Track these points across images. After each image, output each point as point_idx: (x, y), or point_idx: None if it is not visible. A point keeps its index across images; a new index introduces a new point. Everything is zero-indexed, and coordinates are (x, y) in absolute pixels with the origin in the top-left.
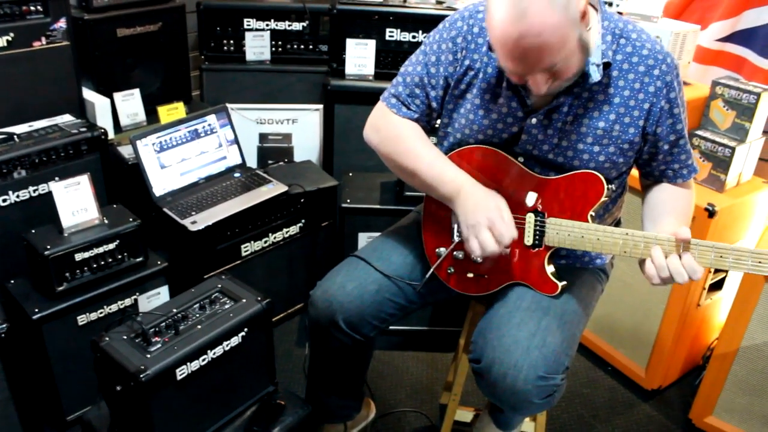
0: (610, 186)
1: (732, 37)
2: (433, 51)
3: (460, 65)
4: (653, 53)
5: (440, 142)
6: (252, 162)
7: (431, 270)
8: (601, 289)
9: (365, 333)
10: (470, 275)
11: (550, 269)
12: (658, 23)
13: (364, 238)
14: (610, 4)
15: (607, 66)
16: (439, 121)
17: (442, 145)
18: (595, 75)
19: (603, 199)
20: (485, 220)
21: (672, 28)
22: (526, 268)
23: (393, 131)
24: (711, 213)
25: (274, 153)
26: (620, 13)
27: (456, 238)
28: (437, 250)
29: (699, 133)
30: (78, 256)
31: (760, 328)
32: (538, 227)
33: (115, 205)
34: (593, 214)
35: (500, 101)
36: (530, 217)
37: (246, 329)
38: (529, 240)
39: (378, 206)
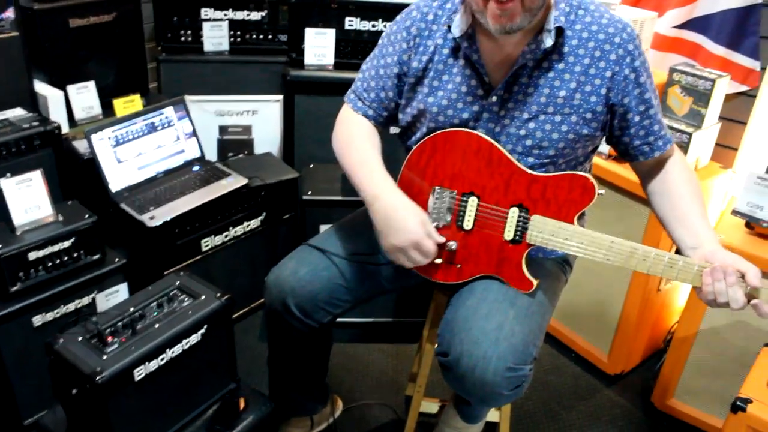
0: (600, 191)
1: (688, 24)
2: (389, 42)
3: (414, 52)
4: (612, 22)
5: (406, 133)
6: (212, 155)
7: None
8: (565, 280)
9: (318, 319)
10: (439, 261)
11: (525, 265)
12: (617, 10)
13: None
14: None
15: (559, 32)
16: (401, 116)
17: (408, 136)
18: (548, 40)
19: (591, 203)
20: (409, 243)
21: (630, 16)
22: (503, 262)
23: (342, 129)
24: None
25: (235, 145)
26: None
27: (433, 223)
28: None
29: None
30: (32, 255)
31: (718, 311)
32: (520, 223)
33: (70, 202)
34: (578, 217)
35: (457, 80)
36: (513, 212)
37: (206, 326)
38: (509, 235)
39: (339, 198)
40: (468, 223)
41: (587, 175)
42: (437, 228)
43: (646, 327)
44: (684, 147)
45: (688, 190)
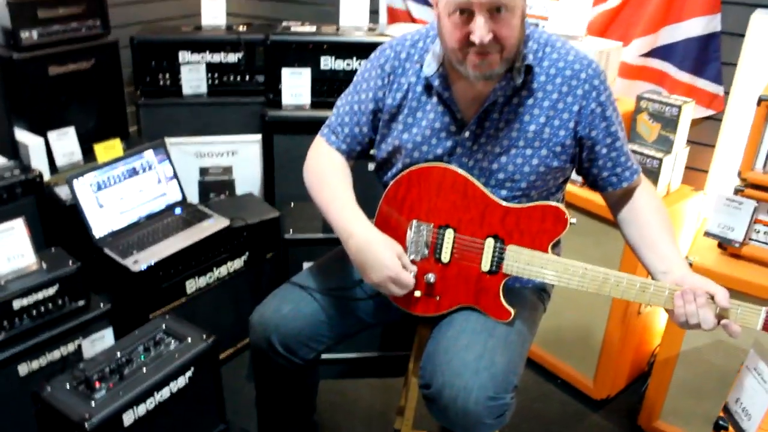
0: (572, 220)
1: (653, 53)
2: (364, 79)
3: (388, 89)
4: (578, 59)
5: (382, 168)
6: (193, 196)
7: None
8: (543, 308)
9: (303, 356)
10: (418, 294)
11: (503, 295)
12: (583, 42)
13: None
14: (536, 25)
15: (528, 70)
16: (374, 151)
17: (384, 171)
18: (518, 78)
19: (564, 232)
20: (386, 278)
21: (596, 47)
22: (481, 293)
23: (315, 162)
24: None
25: (216, 186)
26: None
27: (410, 256)
28: None
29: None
30: (16, 304)
31: (697, 331)
32: (496, 254)
33: (53, 249)
34: (553, 245)
35: (431, 117)
36: (489, 243)
37: (193, 368)
38: (486, 265)
39: (321, 235)
40: (445, 256)
41: (559, 205)
42: (415, 261)
43: (629, 350)
44: (655, 172)
45: (656, 218)
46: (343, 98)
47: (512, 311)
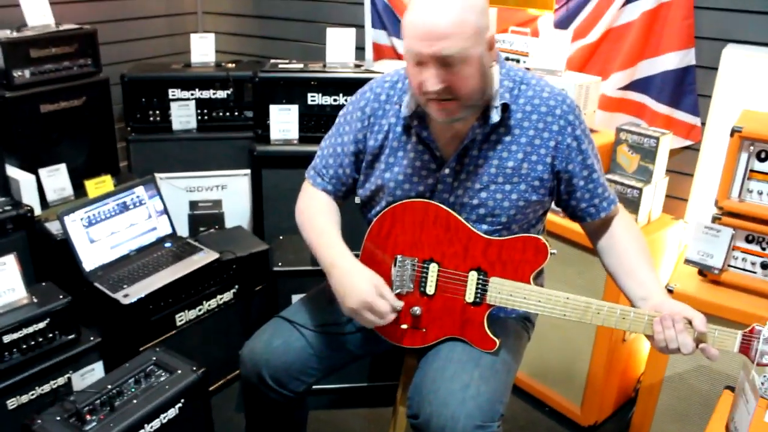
0: (552, 251)
1: (631, 86)
2: (346, 121)
3: (369, 131)
4: (553, 95)
5: (366, 206)
6: (184, 230)
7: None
8: (527, 337)
9: (293, 389)
10: (405, 327)
11: (488, 325)
12: (563, 77)
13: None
14: (518, 61)
15: (505, 108)
16: (360, 190)
17: (368, 209)
18: (495, 116)
19: (545, 263)
20: (360, 304)
21: (575, 81)
22: (466, 324)
23: (303, 202)
24: None
25: (206, 220)
26: (527, 69)
27: (396, 291)
28: None
29: (609, 176)
30: (6, 338)
31: (680, 357)
32: (480, 285)
33: (44, 283)
34: (535, 275)
35: (411, 156)
36: (472, 275)
37: (183, 400)
38: (470, 297)
39: (309, 268)
40: (430, 289)
41: (539, 236)
42: (401, 295)
43: (615, 377)
44: (636, 201)
45: (633, 246)
46: (327, 140)
47: (497, 341)
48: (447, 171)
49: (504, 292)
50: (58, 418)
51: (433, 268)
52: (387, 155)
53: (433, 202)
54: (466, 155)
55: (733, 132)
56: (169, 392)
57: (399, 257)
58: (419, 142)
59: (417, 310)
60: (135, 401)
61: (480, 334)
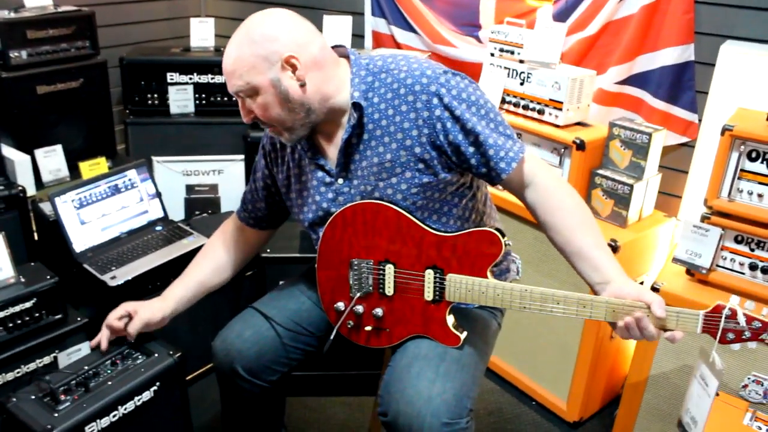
0: (508, 243)
1: (629, 80)
2: (256, 162)
3: (274, 165)
4: (410, 73)
5: (312, 229)
6: (180, 214)
7: (334, 330)
8: (497, 324)
9: (266, 378)
10: (369, 328)
11: (450, 321)
12: (557, 70)
13: None
14: (512, 52)
15: (357, 106)
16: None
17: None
18: (351, 119)
19: (502, 256)
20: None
21: (569, 74)
22: (428, 322)
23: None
24: (614, 249)
25: (202, 204)
26: (521, 62)
27: (356, 294)
28: (335, 305)
29: (600, 171)
30: None
31: (665, 357)
32: (437, 283)
33: (33, 263)
34: (493, 269)
35: (308, 176)
36: (429, 274)
37: (158, 383)
38: (429, 296)
39: (297, 255)
40: (389, 290)
41: (491, 229)
42: (361, 299)
43: (602, 374)
44: (626, 197)
45: (576, 221)
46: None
47: (461, 337)
48: (341, 181)
49: (462, 289)
50: (33, 397)
51: (390, 269)
52: (294, 183)
53: (382, 203)
54: (348, 160)
55: (723, 130)
56: (145, 375)
57: (354, 260)
58: (311, 162)
59: (379, 311)
60: (110, 383)
61: (443, 331)
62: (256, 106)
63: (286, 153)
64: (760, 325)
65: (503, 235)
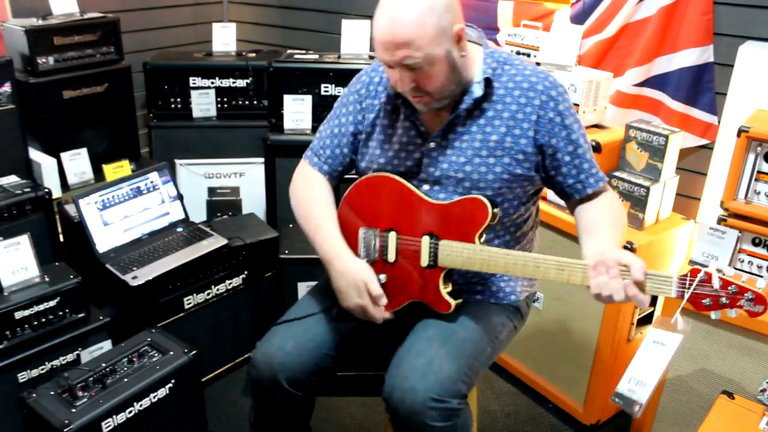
0: (495, 210)
1: (648, 82)
2: (342, 104)
3: (366, 111)
4: (535, 73)
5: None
6: (202, 216)
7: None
8: (513, 326)
9: (309, 386)
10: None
11: (446, 289)
12: (573, 72)
13: (303, 287)
14: (528, 55)
15: (488, 82)
16: (359, 167)
17: None
18: (477, 90)
19: (488, 222)
20: (357, 307)
21: (585, 77)
22: (424, 287)
23: (300, 188)
24: (630, 251)
25: (223, 206)
26: (538, 64)
27: (364, 260)
28: None
29: (617, 174)
30: (18, 314)
31: (682, 360)
32: (432, 249)
33: (57, 263)
34: (483, 236)
35: (399, 132)
36: (425, 240)
37: (173, 380)
38: (425, 261)
39: (314, 256)
40: (391, 256)
41: (479, 196)
42: (368, 263)
43: (620, 377)
44: (643, 200)
45: (607, 212)
46: (325, 123)
47: (453, 303)
48: (432, 145)
49: (453, 254)
50: (52, 393)
51: (392, 236)
52: (378, 133)
53: (388, 174)
54: (450, 130)
55: (740, 132)
56: (160, 372)
57: (362, 229)
58: (405, 119)
59: (383, 277)
60: (126, 380)
61: (436, 296)
62: (423, 76)
63: (377, 102)
64: (737, 289)
65: (494, 206)
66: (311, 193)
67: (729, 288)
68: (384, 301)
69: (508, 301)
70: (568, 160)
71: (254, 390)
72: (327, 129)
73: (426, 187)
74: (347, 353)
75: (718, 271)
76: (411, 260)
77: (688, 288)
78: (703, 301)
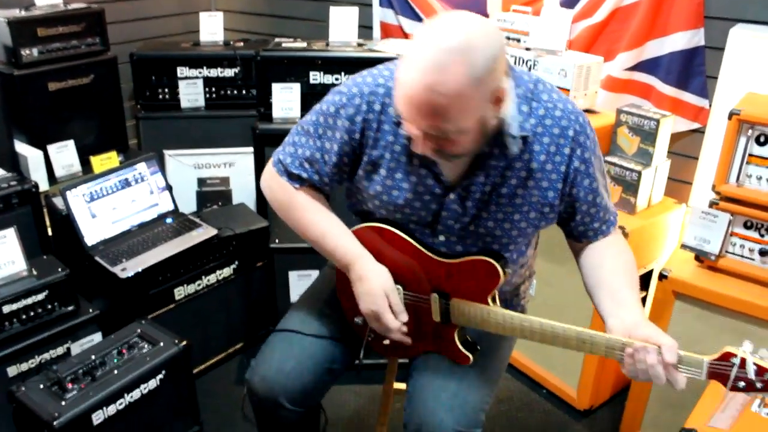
0: (506, 270)
1: (639, 66)
2: (328, 126)
3: (361, 144)
4: (566, 114)
5: (353, 206)
6: (191, 206)
7: (363, 347)
8: (508, 346)
9: (309, 404)
10: (387, 342)
11: (460, 342)
12: (563, 57)
13: (294, 276)
14: (518, 40)
15: (525, 139)
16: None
17: (351, 201)
18: (513, 148)
19: (500, 285)
20: (372, 313)
21: (575, 61)
22: (440, 340)
23: (283, 196)
24: (623, 235)
25: (213, 196)
26: (527, 49)
27: None
28: (356, 320)
29: (608, 158)
30: (6, 308)
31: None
32: (443, 307)
33: (45, 257)
34: (497, 297)
35: (413, 179)
36: (435, 298)
37: (164, 371)
38: (437, 318)
39: (305, 245)
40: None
41: (488, 259)
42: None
43: (613, 362)
44: (634, 184)
45: (619, 265)
46: (303, 139)
47: (471, 357)
48: (453, 197)
49: (466, 314)
50: (41, 386)
51: (399, 290)
52: (384, 176)
53: (389, 227)
54: (472, 182)
55: (731, 115)
56: (150, 363)
57: None
58: (422, 165)
59: None
60: (116, 371)
61: (454, 350)
62: (448, 143)
63: (382, 138)
64: None
65: (503, 264)
66: (296, 203)
67: (765, 375)
68: (405, 317)
69: None
70: (585, 209)
71: (255, 412)
72: (306, 149)
73: (442, 238)
74: (350, 359)
75: (753, 353)
76: (423, 315)
77: (724, 373)
78: (738, 383)
